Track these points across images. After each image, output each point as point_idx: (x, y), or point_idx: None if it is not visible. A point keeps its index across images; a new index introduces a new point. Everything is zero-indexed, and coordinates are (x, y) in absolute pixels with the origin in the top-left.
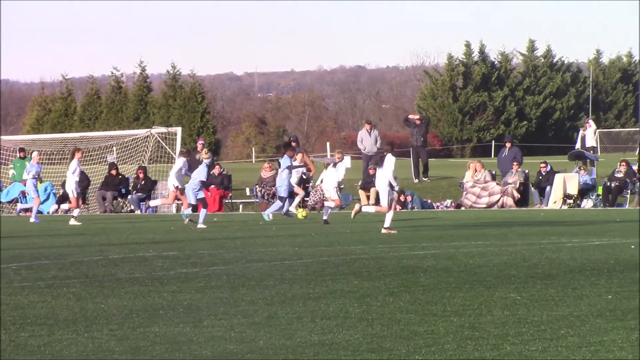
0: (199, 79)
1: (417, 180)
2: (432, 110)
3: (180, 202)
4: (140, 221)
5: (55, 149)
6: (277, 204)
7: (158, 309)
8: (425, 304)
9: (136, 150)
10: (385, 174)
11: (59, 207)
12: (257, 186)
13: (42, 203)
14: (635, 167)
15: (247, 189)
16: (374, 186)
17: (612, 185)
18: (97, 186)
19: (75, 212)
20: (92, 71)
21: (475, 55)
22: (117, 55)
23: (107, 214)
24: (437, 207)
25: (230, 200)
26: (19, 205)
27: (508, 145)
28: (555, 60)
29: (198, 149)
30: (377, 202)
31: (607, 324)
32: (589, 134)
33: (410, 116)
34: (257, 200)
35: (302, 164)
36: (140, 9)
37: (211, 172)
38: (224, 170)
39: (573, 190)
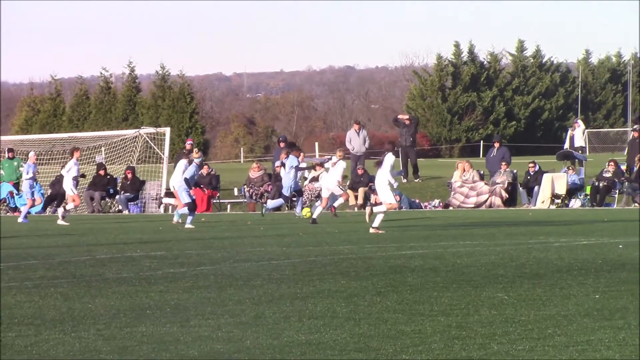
0: (187, 80)
1: (405, 180)
2: (421, 110)
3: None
4: (128, 221)
5: (44, 150)
6: (279, 200)
7: (145, 309)
8: (413, 304)
9: (125, 151)
10: (383, 173)
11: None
12: (245, 186)
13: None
14: (623, 167)
15: (235, 189)
16: (363, 186)
17: (601, 185)
18: (85, 186)
19: (70, 206)
20: (81, 72)
21: (465, 55)
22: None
23: (95, 214)
24: (425, 207)
25: (218, 201)
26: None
27: (497, 145)
28: (544, 60)
29: (187, 149)
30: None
31: (594, 324)
32: (578, 134)
33: (400, 116)
34: (245, 200)
35: (305, 164)
36: (129, 10)
37: (199, 172)
38: (212, 170)
39: (561, 190)
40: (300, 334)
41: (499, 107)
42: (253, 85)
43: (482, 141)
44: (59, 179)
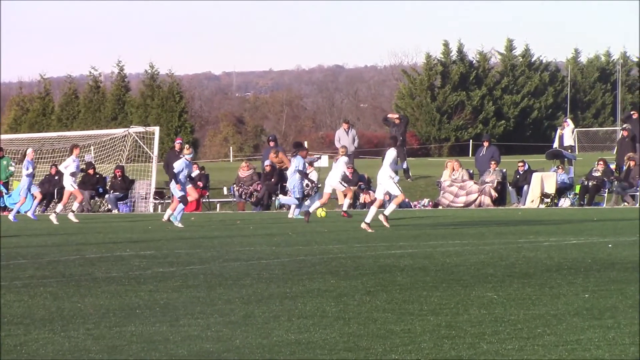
0: (177, 79)
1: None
2: (410, 109)
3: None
4: (118, 220)
5: (33, 149)
6: (294, 201)
7: (135, 308)
8: (402, 303)
9: (114, 150)
10: (384, 168)
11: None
12: (234, 185)
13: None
14: (612, 166)
15: (225, 189)
16: (353, 185)
17: (590, 184)
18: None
19: (76, 208)
20: (70, 71)
21: (454, 54)
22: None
23: (85, 213)
24: (415, 206)
25: (207, 200)
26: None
27: (486, 144)
28: (533, 59)
29: (176, 148)
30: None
31: (584, 323)
32: (567, 133)
33: (389, 115)
34: (235, 199)
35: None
36: (118, 9)
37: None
38: (203, 169)
39: (550, 189)
40: (290, 334)
41: (488, 106)
42: (242, 85)
43: (471, 140)
44: (49, 179)
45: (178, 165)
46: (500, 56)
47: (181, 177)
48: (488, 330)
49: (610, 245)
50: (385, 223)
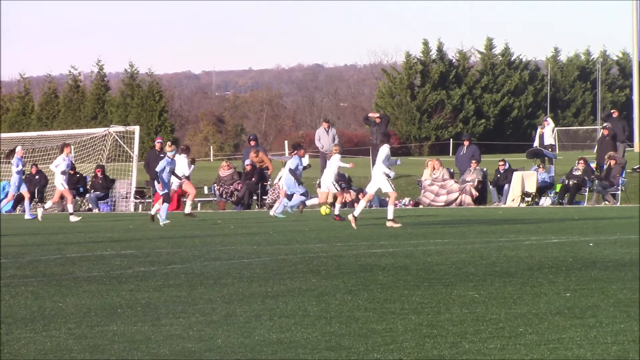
0: (156, 78)
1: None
2: (390, 108)
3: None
4: (99, 220)
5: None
6: (300, 198)
7: (116, 308)
8: (384, 302)
9: (94, 149)
10: (378, 165)
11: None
12: (215, 185)
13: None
14: (593, 165)
15: (205, 188)
16: (347, 184)
17: (570, 183)
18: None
19: (70, 208)
20: (49, 70)
21: (434, 53)
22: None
23: (65, 212)
24: (396, 205)
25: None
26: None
27: (466, 143)
28: (513, 58)
29: (156, 148)
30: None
31: (566, 322)
32: (547, 132)
33: (370, 115)
34: (215, 198)
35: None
36: (98, 8)
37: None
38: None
39: (531, 188)
40: (272, 333)
41: (468, 105)
42: (222, 84)
43: (451, 139)
44: (29, 178)
45: (159, 165)
46: (480, 55)
47: (164, 175)
48: (470, 329)
49: (591, 244)
50: (395, 224)
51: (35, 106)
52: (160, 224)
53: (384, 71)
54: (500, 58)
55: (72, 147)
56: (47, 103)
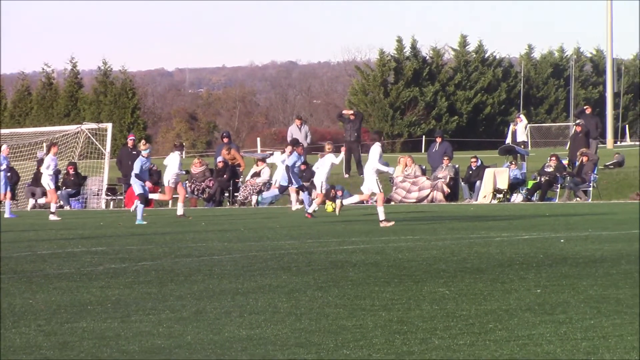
0: (129, 75)
1: (347, 175)
2: (363, 105)
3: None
4: (70, 217)
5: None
6: (305, 195)
7: (86, 305)
8: (354, 299)
9: (66, 147)
10: (370, 163)
11: (36, 202)
12: (187, 182)
13: None
14: (565, 162)
15: None
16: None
17: (542, 179)
18: (27, 182)
19: (53, 207)
20: (22, 67)
21: (407, 50)
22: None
23: (37, 209)
24: (367, 202)
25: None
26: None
27: (439, 140)
28: (487, 55)
29: (129, 145)
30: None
31: (536, 318)
32: (520, 129)
33: (344, 112)
34: (187, 195)
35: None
36: (71, 6)
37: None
38: (153, 165)
39: (503, 184)
40: (242, 329)
41: (441, 102)
42: (195, 81)
43: (424, 136)
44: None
45: (135, 166)
46: (454, 52)
47: (141, 175)
48: (440, 325)
49: (562, 241)
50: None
51: (7, 103)
52: (136, 223)
53: (358, 68)
54: (474, 55)
55: (45, 144)
56: (19, 100)
